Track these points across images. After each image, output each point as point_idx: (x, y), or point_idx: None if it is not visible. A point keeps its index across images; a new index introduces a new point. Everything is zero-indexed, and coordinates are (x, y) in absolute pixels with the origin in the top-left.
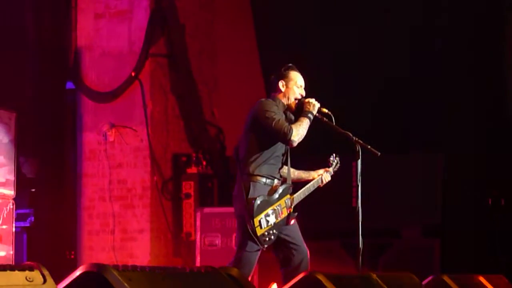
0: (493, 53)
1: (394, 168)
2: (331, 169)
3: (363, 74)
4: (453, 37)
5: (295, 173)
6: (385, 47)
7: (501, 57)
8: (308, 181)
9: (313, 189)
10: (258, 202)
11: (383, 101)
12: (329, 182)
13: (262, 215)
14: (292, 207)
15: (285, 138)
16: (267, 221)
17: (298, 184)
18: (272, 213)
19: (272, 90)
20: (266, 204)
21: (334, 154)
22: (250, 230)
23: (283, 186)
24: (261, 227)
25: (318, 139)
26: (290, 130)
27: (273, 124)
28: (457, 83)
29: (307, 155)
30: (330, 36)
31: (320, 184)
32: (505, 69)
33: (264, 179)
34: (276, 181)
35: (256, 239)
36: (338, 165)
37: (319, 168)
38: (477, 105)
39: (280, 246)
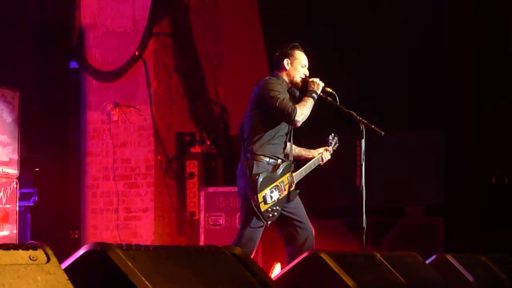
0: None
1: (396, 147)
2: (330, 148)
3: (365, 52)
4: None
5: (296, 150)
6: (386, 26)
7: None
8: (308, 159)
9: (314, 167)
10: (261, 178)
11: (385, 80)
12: (329, 160)
13: (266, 191)
14: (293, 184)
15: (289, 118)
16: (271, 197)
17: (298, 162)
18: (276, 189)
19: (275, 68)
20: (269, 180)
21: (332, 134)
22: (254, 205)
23: (285, 163)
24: (265, 203)
25: (322, 119)
26: (294, 110)
27: (277, 104)
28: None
29: (306, 135)
30: (333, 12)
31: (321, 162)
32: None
33: (267, 159)
34: (279, 161)
35: (260, 215)
36: (337, 144)
37: (318, 147)
38: (478, 81)
39: (284, 223)
